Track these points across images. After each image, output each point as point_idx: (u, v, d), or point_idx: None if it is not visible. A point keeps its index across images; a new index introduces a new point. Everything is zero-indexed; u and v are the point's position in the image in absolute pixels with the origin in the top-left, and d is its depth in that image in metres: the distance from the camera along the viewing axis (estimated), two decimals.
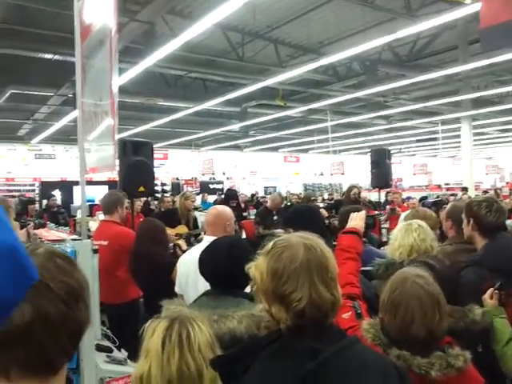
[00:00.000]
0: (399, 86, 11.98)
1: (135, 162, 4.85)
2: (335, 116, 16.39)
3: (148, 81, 11.61)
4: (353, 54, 8.80)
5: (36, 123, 16.14)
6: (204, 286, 2.19)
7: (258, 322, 1.72)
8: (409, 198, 9.51)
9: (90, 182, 9.94)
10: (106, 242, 3.93)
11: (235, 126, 17.42)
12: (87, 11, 2.88)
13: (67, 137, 17.28)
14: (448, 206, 3.19)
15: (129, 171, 4.83)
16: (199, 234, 5.85)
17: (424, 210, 3.58)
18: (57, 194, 12.30)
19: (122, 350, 2.71)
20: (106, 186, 12.06)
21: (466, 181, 16.04)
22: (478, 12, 3.52)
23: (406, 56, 11.52)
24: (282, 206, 7.85)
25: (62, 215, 9.39)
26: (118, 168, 4.79)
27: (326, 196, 18.52)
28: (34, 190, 18.50)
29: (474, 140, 17.39)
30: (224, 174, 23.85)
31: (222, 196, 11.99)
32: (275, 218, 7.15)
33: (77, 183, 2.90)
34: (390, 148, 9.02)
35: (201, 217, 6.63)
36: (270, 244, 1.31)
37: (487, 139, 23.41)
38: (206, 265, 2.14)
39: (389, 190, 9.64)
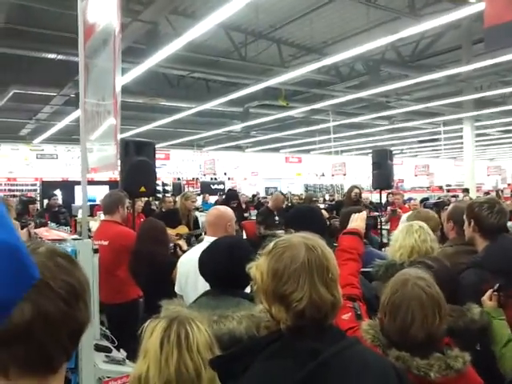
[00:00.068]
0: (402, 87, 11.96)
1: (137, 162, 4.86)
2: (337, 116, 16.37)
3: (150, 81, 11.62)
4: (356, 54, 8.79)
5: (38, 123, 16.17)
6: (204, 286, 2.19)
7: (258, 323, 1.72)
8: (410, 200, 9.52)
9: (91, 182, 9.94)
10: (106, 242, 3.94)
11: (237, 127, 17.42)
12: (91, 11, 2.89)
13: (69, 137, 17.32)
14: (449, 208, 3.18)
15: (131, 171, 4.84)
16: (200, 235, 5.87)
17: (426, 211, 3.58)
18: (58, 194, 12.32)
19: (121, 350, 2.71)
20: (107, 186, 12.08)
21: (467, 182, 16.01)
22: (482, 11, 3.51)
23: (409, 56, 11.50)
24: (284, 206, 7.85)
25: (63, 215, 9.39)
26: (119, 168, 4.80)
27: (327, 197, 18.52)
28: (35, 190, 18.54)
29: (476, 141, 17.35)
30: (225, 174, 23.86)
31: (223, 196, 11.99)
32: (276, 218, 7.16)
33: (78, 183, 2.90)
34: (391, 149, 9.00)
35: (202, 217, 6.65)
36: (271, 244, 1.31)
37: (489, 140, 23.37)
38: (206, 265, 2.14)
39: (390, 191, 9.63)
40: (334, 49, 10.54)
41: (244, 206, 10.79)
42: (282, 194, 9.28)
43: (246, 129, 18.55)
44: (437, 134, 19.81)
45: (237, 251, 2.07)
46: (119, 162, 4.52)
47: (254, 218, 9.39)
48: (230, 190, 13.99)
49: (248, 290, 2.08)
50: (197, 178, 22.78)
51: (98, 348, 2.61)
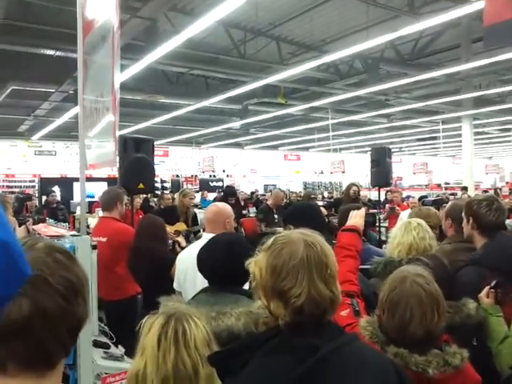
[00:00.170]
0: (401, 85, 11.96)
1: (136, 158, 4.85)
2: (336, 114, 16.38)
3: (149, 78, 11.60)
4: (355, 52, 8.79)
5: (37, 119, 16.14)
6: (202, 282, 2.19)
7: (256, 319, 1.72)
8: (408, 197, 9.53)
9: (89, 179, 9.93)
10: (104, 239, 3.93)
11: (236, 124, 17.42)
12: (90, 7, 2.88)
13: (68, 133, 17.29)
14: (448, 205, 3.19)
15: (129, 168, 4.83)
16: (198, 231, 5.87)
17: (427, 208, 3.59)
18: (56, 191, 12.32)
19: (120, 347, 2.71)
20: (106, 183, 12.07)
21: (466, 180, 16.03)
22: (481, 10, 3.51)
23: (408, 54, 11.51)
24: (283, 203, 7.85)
25: (61, 211, 9.40)
26: (118, 165, 4.79)
27: (325, 194, 18.53)
28: (33, 187, 18.53)
29: (475, 139, 17.37)
30: (224, 171, 23.85)
31: (222, 193, 11.99)
32: (275, 216, 7.16)
33: (77, 180, 2.89)
34: (390, 147, 9.00)
35: (200, 214, 6.65)
36: (270, 240, 1.31)
37: (488, 139, 23.40)
38: (204, 262, 2.14)
39: (389, 189, 9.64)
40: (333, 47, 10.52)
41: (243, 203, 10.79)
42: (282, 191, 9.28)
43: (245, 126, 18.55)
44: (435, 132, 19.83)
45: (235, 248, 2.07)
46: (118, 158, 4.51)
47: (253, 215, 9.41)
48: (227, 186, 13.96)
49: (246, 286, 2.09)
50: (195, 175, 22.77)
51: (97, 344, 2.61)
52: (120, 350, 2.66)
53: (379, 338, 1.67)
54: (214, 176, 22.33)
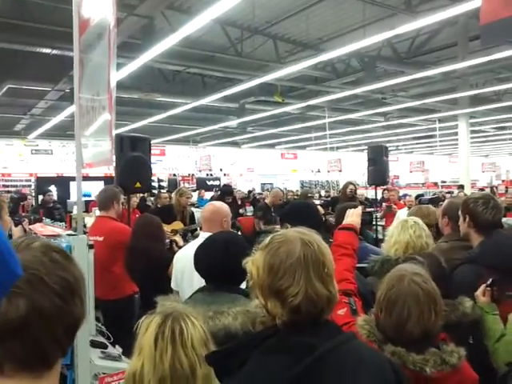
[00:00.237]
0: (397, 83, 11.98)
1: (132, 157, 4.84)
2: (333, 113, 16.38)
3: (146, 76, 11.57)
4: (352, 51, 8.79)
5: (33, 118, 16.08)
6: (199, 282, 2.18)
7: (253, 319, 1.72)
8: (405, 196, 9.53)
9: (86, 178, 9.92)
10: (101, 238, 3.92)
11: (233, 123, 17.40)
12: (86, 5, 2.87)
13: (64, 132, 17.25)
14: (444, 203, 3.19)
15: (126, 167, 4.82)
16: (196, 230, 5.86)
17: (427, 207, 3.59)
18: (53, 190, 12.27)
19: (117, 346, 2.71)
20: (102, 182, 12.05)
21: (462, 178, 16.08)
22: (478, 8, 3.52)
23: (405, 53, 11.52)
24: (280, 202, 7.85)
25: (57, 211, 9.36)
26: (114, 164, 4.78)
27: (322, 193, 18.55)
28: (30, 186, 18.47)
29: (471, 138, 17.42)
30: (221, 170, 23.84)
31: (219, 192, 11.98)
32: (273, 214, 7.16)
33: (73, 179, 2.89)
34: (387, 145, 9.02)
35: (197, 212, 6.64)
36: (267, 239, 1.31)
37: (484, 137, 23.45)
38: (201, 261, 2.13)
39: (385, 187, 9.65)
40: (330, 45, 10.53)
41: (240, 202, 10.79)
42: (281, 190, 9.28)
43: (242, 125, 18.53)
44: (432, 130, 19.87)
45: (232, 247, 2.07)
46: (114, 157, 4.50)
47: (250, 214, 9.41)
48: (224, 185, 13.97)
49: (244, 285, 2.08)
50: (192, 174, 22.74)
51: (94, 344, 2.60)
52: (117, 350, 2.66)
53: (376, 337, 1.67)
54: (211, 175, 22.33)
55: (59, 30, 8.35)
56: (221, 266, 2.02)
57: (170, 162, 22.89)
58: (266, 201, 7.90)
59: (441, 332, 1.70)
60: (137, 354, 1.44)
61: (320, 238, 1.31)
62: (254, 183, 24.08)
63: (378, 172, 7.76)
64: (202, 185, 18.95)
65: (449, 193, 13.82)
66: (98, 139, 2.80)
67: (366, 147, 9.25)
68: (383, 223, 8.10)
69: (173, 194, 6.94)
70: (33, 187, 17.75)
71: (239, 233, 6.22)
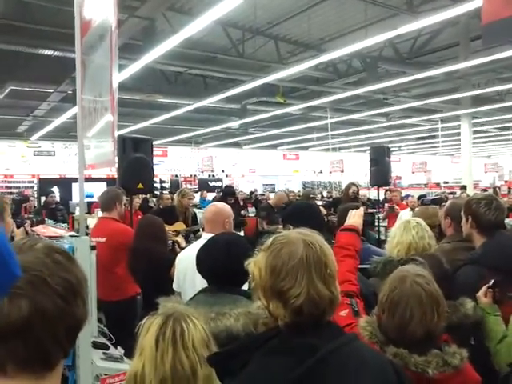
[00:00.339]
0: (399, 84, 11.97)
1: (135, 158, 4.84)
2: (335, 113, 16.38)
3: (148, 77, 11.59)
4: (353, 51, 8.79)
5: (35, 120, 16.12)
6: (201, 283, 2.18)
7: (255, 320, 1.72)
8: (407, 196, 9.53)
9: (88, 179, 9.92)
10: (104, 239, 3.93)
11: (235, 123, 17.40)
12: (87, 7, 2.87)
13: (66, 133, 17.27)
14: (447, 204, 3.18)
15: (128, 168, 4.82)
16: (198, 231, 5.86)
17: (432, 207, 3.60)
18: (55, 191, 12.30)
19: (119, 348, 2.71)
20: (105, 183, 12.07)
21: (464, 179, 16.03)
22: (480, 8, 3.52)
23: (407, 53, 11.51)
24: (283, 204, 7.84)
25: (60, 212, 9.39)
26: (117, 165, 4.79)
27: (324, 194, 18.54)
28: (32, 187, 18.51)
29: (474, 138, 17.37)
30: (223, 171, 23.85)
31: (221, 193, 11.99)
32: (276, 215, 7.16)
33: (76, 180, 2.89)
34: (389, 146, 9.01)
35: (200, 213, 6.64)
36: (270, 240, 1.31)
37: (487, 137, 23.40)
38: (203, 262, 2.13)
39: (388, 188, 9.65)
40: (331, 45, 10.52)
41: (242, 202, 10.79)
42: (286, 193, 9.25)
43: (244, 125, 18.53)
44: (434, 130, 19.83)
45: (234, 248, 2.07)
46: (117, 158, 4.50)
47: (252, 215, 9.40)
48: (227, 186, 13.96)
49: (246, 286, 2.08)
50: (194, 175, 22.76)
51: (96, 345, 2.60)
52: (119, 351, 2.66)
53: (378, 338, 1.66)
54: (213, 176, 22.33)
55: (61, 31, 8.36)
56: (223, 267, 2.02)
57: (172, 163, 22.92)
58: (270, 202, 7.90)
59: (443, 333, 1.70)
60: (138, 355, 1.44)
61: (322, 239, 1.31)
62: (255, 184, 24.08)
63: (381, 173, 7.74)
64: (204, 186, 18.96)
65: (451, 193, 13.81)
66: (101, 140, 2.80)
67: (368, 148, 9.24)
68: (385, 224, 8.08)
69: (175, 195, 6.94)
70: (35, 188, 17.79)
71: (244, 229, 6.21)
